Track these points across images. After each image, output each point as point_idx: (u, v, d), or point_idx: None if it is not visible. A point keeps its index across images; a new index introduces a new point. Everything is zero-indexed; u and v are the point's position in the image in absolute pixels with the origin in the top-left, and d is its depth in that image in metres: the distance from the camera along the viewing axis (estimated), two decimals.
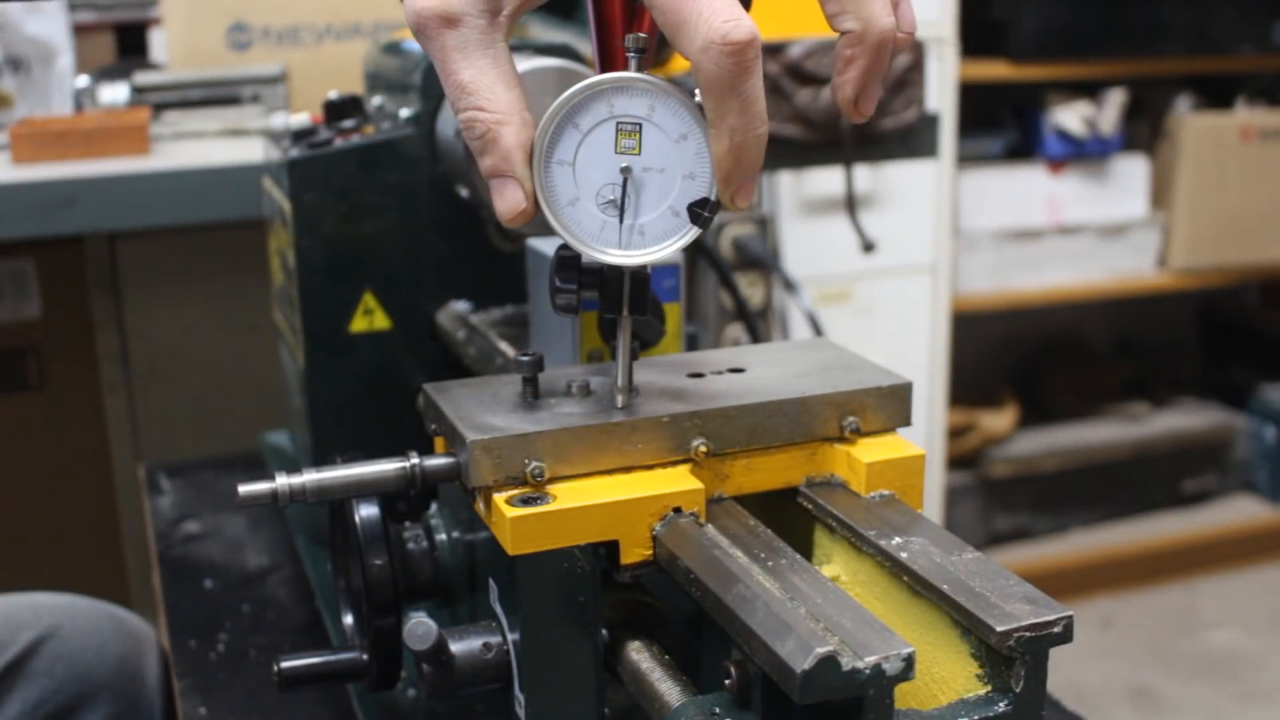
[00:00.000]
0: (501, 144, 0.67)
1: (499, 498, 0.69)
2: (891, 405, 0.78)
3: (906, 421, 0.79)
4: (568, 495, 0.70)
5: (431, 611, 0.92)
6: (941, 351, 2.92)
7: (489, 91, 0.66)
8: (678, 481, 0.72)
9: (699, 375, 0.80)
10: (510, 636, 0.73)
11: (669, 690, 0.69)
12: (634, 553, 0.70)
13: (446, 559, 0.84)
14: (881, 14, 0.67)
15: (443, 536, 0.85)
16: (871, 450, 0.76)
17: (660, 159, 0.68)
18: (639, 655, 0.73)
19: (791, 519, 0.77)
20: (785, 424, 0.76)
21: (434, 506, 0.88)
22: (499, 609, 0.74)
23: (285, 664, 0.81)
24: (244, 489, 0.74)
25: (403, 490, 0.75)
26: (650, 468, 0.73)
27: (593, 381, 0.77)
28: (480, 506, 0.72)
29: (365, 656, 0.82)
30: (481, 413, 0.74)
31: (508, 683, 0.73)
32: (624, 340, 0.74)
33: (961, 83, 2.84)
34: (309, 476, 0.74)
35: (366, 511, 0.80)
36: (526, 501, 0.69)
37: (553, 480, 0.71)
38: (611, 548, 0.71)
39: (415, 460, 0.75)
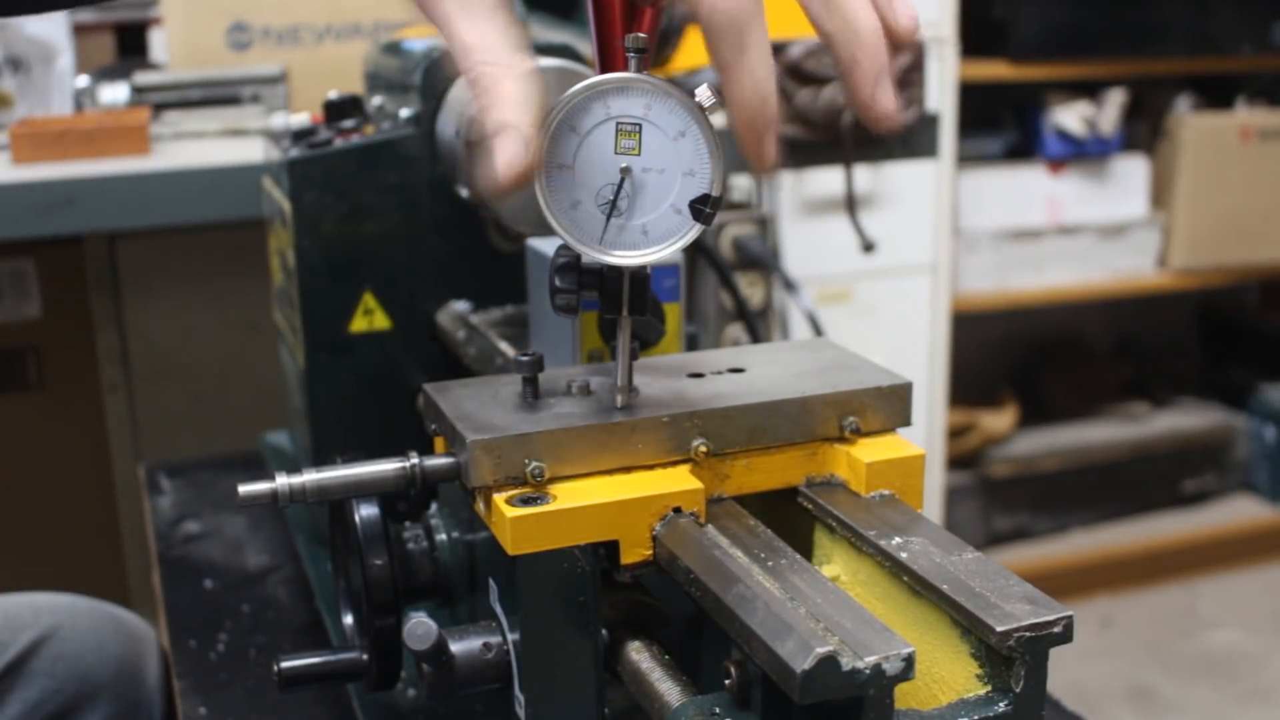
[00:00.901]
0: (507, 94, 0.64)
1: (499, 498, 0.69)
2: (891, 405, 0.78)
3: (906, 421, 0.79)
4: (568, 495, 0.70)
5: (431, 611, 0.92)
6: (941, 351, 2.92)
7: (495, 48, 0.64)
8: (678, 481, 0.72)
9: (699, 375, 0.80)
10: (510, 636, 0.73)
11: (669, 690, 0.69)
12: (634, 553, 0.70)
13: (446, 559, 0.84)
14: (864, 14, 0.66)
15: (443, 536, 0.85)
16: (871, 450, 0.76)
17: (660, 158, 0.68)
18: (639, 655, 0.73)
19: (792, 519, 0.76)
20: (785, 424, 0.76)
21: (434, 506, 0.88)
22: (499, 609, 0.74)
23: (285, 664, 0.81)
24: (244, 489, 0.74)
25: (403, 490, 0.75)
26: (650, 468, 0.73)
27: (593, 381, 0.77)
28: (480, 506, 0.72)
29: (365, 656, 0.82)
30: (481, 413, 0.74)
31: (508, 683, 0.73)
32: (624, 340, 0.74)
33: (961, 83, 2.84)
34: (309, 476, 0.74)
35: (366, 512, 0.80)
36: (526, 501, 0.69)
37: (553, 480, 0.71)
38: (611, 548, 0.70)
39: (415, 460, 0.74)
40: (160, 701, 1.20)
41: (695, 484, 0.72)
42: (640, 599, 0.75)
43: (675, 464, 0.73)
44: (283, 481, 0.74)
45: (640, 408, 0.74)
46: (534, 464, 0.70)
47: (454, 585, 0.84)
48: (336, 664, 0.82)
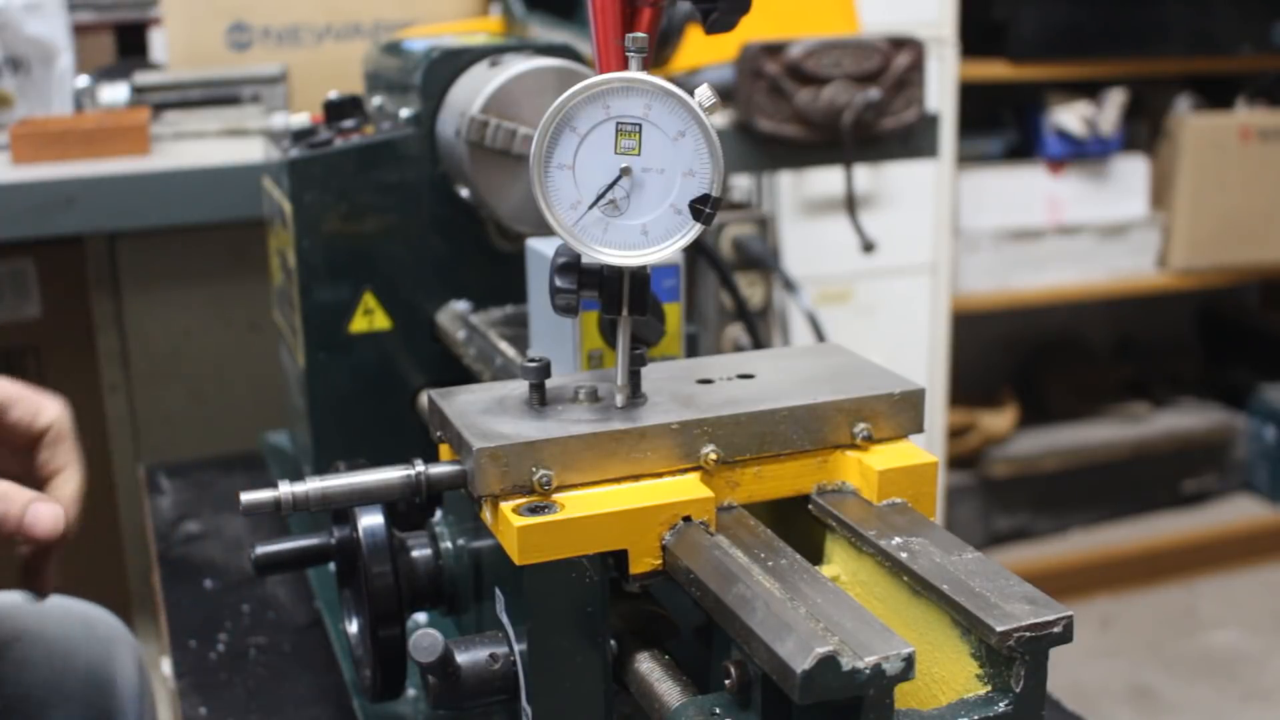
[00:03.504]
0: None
1: (506, 506, 0.69)
2: (903, 412, 0.78)
3: (919, 428, 0.78)
4: (576, 504, 0.69)
5: (436, 619, 0.91)
6: (941, 351, 2.92)
7: None
8: (688, 490, 0.71)
9: (708, 381, 0.79)
10: (517, 647, 0.72)
11: (668, 691, 0.68)
12: (643, 562, 0.70)
13: (452, 566, 0.84)
14: None
15: (448, 544, 0.84)
16: (884, 458, 0.75)
17: (660, 158, 0.68)
18: (642, 659, 0.72)
19: (803, 527, 0.76)
20: (796, 431, 0.75)
21: (439, 512, 0.88)
22: (505, 619, 0.73)
23: (260, 550, 0.86)
24: (246, 498, 0.73)
25: (407, 498, 0.75)
26: (660, 476, 0.72)
27: (600, 388, 0.76)
28: (487, 515, 0.71)
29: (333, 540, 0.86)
30: (488, 419, 0.73)
31: (515, 695, 0.72)
32: (624, 340, 0.74)
33: (961, 83, 2.83)
34: (312, 485, 0.73)
35: (370, 520, 0.79)
36: (534, 510, 0.68)
37: (561, 489, 0.70)
38: (620, 557, 0.70)
39: (420, 468, 0.74)
40: (135, 704, 1.17)
41: (705, 492, 0.71)
42: (650, 609, 0.75)
43: (685, 472, 0.73)
44: (285, 490, 0.73)
45: (649, 415, 0.73)
46: (542, 472, 0.69)
47: (459, 593, 0.84)
48: (307, 549, 0.87)
